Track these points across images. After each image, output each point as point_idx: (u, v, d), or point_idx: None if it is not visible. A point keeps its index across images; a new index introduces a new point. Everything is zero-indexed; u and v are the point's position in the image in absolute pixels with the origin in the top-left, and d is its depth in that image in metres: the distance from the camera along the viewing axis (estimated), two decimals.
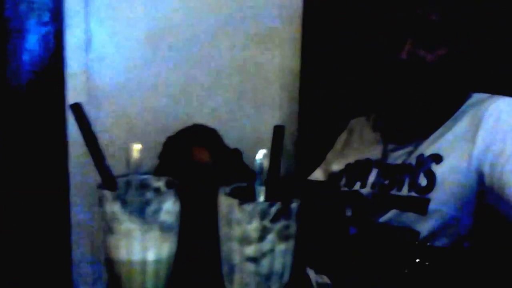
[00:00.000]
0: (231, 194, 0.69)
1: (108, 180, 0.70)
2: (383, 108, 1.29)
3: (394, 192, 1.18)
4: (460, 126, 1.15)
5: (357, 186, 1.28)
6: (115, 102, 1.61)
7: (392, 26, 1.15)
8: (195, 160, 1.36)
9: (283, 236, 0.65)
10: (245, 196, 0.69)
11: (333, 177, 1.39)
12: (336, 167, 1.39)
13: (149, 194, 0.71)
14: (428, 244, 0.98)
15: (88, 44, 1.57)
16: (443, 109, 1.19)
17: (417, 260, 0.92)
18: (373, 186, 1.24)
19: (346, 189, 1.30)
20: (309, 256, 0.92)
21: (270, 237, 0.64)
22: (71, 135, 1.56)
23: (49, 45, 1.52)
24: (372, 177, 1.26)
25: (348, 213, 1.26)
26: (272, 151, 0.70)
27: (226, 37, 1.71)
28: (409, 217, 1.14)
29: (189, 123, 1.52)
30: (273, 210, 0.63)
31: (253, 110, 1.77)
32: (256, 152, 0.70)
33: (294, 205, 0.65)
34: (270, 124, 1.78)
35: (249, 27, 1.73)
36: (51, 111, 1.55)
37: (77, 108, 0.69)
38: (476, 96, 1.20)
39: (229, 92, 1.73)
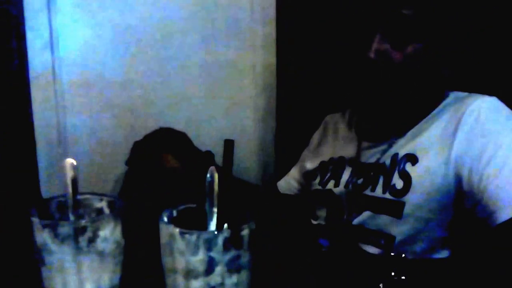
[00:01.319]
0: (178, 218, 0.60)
1: (37, 204, 0.60)
2: (356, 106, 1.21)
3: (368, 192, 1.12)
4: (437, 126, 1.08)
5: (330, 184, 1.22)
6: (83, 103, 1.51)
7: (362, 21, 1.07)
8: (163, 167, 1.27)
9: (234, 268, 0.55)
10: (195, 220, 0.59)
11: (307, 175, 1.33)
12: (311, 165, 1.33)
13: (84, 220, 0.60)
14: (403, 256, 0.89)
15: (53, 43, 1.46)
16: (418, 107, 1.12)
17: (392, 274, 0.84)
18: (346, 185, 1.18)
19: (319, 187, 1.24)
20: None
21: (219, 269, 0.55)
22: (39, 140, 1.47)
23: (10, 46, 1.40)
24: (345, 176, 1.20)
25: (322, 213, 1.19)
26: (223, 166, 0.60)
27: (199, 35, 1.61)
28: (383, 219, 1.08)
29: (161, 124, 1.43)
30: (221, 239, 0.54)
31: (228, 110, 1.68)
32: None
33: (245, 232, 0.55)
34: (246, 124, 1.71)
35: (222, 24, 1.64)
36: (16, 115, 1.45)
37: None
38: (454, 95, 1.13)
39: (203, 91, 1.64)
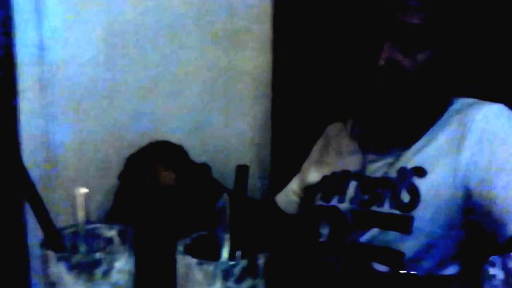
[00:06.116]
0: (191, 246, 0.64)
1: (52, 236, 0.63)
2: (360, 115, 1.24)
3: (374, 208, 1.14)
4: (444, 136, 1.11)
5: (334, 200, 1.22)
6: (73, 115, 1.53)
7: (369, 30, 1.10)
8: (157, 182, 1.29)
9: None
10: (208, 247, 0.63)
11: (309, 189, 1.34)
12: (313, 178, 1.34)
13: (99, 253, 0.64)
14: (412, 273, 0.93)
15: (42, 55, 1.48)
16: (425, 116, 1.15)
17: None
18: (351, 201, 1.19)
19: (323, 203, 1.25)
20: None
21: None
22: (27, 157, 1.48)
23: None
24: (350, 191, 1.21)
25: (326, 231, 1.21)
26: (236, 194, 0.64)
27: (192, 38, 1.63)
28: (392, 235, 1.10)
29: (156, 136, 1.45)
30: (238, 269, 0.57)
31: (223, 117, 1.70)
32: (227, 164, 0.64)
33: (261, 261, 0.59)
34: (242, 133, 1.73)
35: (216, 25, 1.65)
36: (2, 129, 1.47)
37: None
38: (460, 102, 1.16)
39: (197, 98, 1.65)
